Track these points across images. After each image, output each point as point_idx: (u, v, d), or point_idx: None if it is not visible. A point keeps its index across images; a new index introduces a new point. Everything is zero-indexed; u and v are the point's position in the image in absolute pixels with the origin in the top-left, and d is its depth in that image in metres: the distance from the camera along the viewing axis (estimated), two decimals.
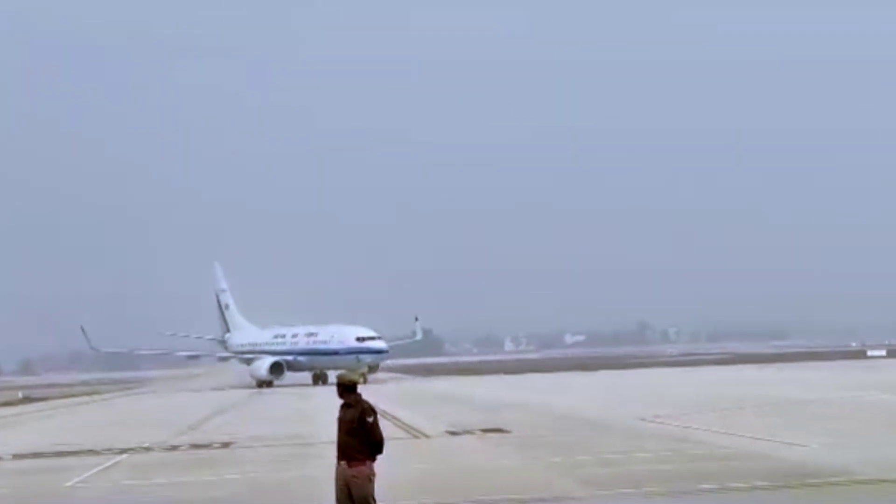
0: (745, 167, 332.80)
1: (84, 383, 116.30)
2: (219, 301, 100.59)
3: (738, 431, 27.62)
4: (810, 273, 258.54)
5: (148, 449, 30.68)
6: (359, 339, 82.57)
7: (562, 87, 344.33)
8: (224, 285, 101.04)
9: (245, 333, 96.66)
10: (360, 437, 12.99)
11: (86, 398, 74.56)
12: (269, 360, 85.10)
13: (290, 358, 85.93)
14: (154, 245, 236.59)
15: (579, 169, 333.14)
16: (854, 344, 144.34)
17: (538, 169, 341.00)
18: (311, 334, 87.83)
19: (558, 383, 66.83)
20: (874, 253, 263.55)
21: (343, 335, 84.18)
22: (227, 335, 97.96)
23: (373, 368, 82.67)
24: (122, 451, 30.09)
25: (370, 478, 13.01)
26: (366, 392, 13.93)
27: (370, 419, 13.01)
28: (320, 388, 76.25)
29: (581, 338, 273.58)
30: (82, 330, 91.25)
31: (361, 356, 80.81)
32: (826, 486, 17.92)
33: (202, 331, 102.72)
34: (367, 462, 13.03)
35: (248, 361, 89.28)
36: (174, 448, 30.81)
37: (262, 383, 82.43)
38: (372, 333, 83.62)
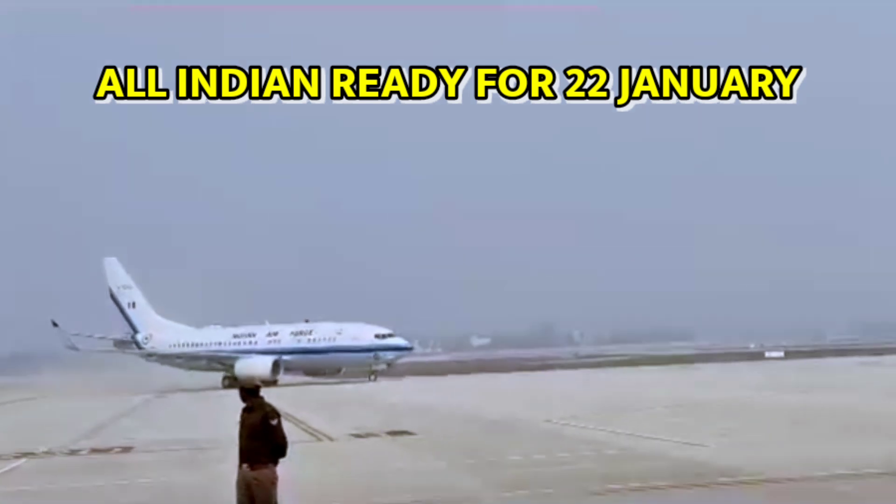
0: (642, 165, 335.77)
1: None
2: (117, 299, 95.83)
3: (639, 432, 28.04)
4: (712, 273, 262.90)
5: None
6: (378, 336, 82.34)
7: None
8: (127, 282, 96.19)
9: (175, 333, 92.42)
10: (262, 440, 13.00)
11: None
12: (268, 358, 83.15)
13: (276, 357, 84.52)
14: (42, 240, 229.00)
15: (488, 172, 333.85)
16: (752, 346, 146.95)
17: (445, 170, 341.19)
18: (298, 333, 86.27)
19: (464, 386, 67.09)
20: (775, 252, 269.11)
21: (355, 332, 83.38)
22: (141, 335, 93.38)
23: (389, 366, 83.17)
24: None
25: (273, 481, 13.02)
26: (268, 396, 13.94)
27: (273, 422, 13.04)
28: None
29: (486, 340, 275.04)
30: (54, 324, 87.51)
31: (381, 353, 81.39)
32: (724, 485, 18.29)
33: (93, 330, 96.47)
34: (270, 465, 13.04)
35: (190, 362, 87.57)
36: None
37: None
38: (389, 331, 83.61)
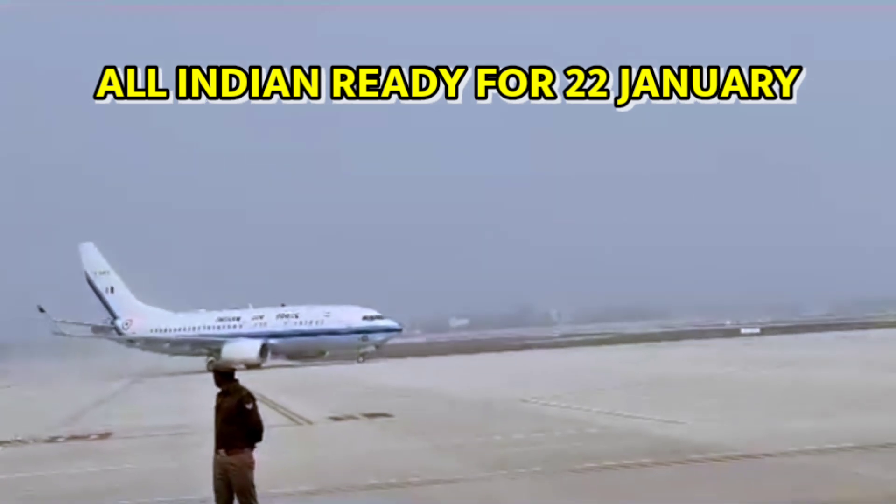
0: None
1: None
2: (93, 284, 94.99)
3: (618, 410, 28.14)
4: (687, 250, 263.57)
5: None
6: (366, 318, 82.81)
7: None
8: (104, 267, 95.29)
9: (157, 318, 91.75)
10: (238, 424, 12.96)
11: None
12: (256, 342, 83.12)
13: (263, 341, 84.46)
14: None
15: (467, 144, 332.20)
16: (728, 322, 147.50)
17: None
18: (284, 316, 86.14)
19: (442, 367, 67.13)
20: (749, 229, 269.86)
21: (343, 315, 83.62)
22: (121, 321, 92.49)
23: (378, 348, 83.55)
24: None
25: (249, 465, 13.00)
26: (244, 379, 13.90)
27: (249, 406, 13.00)
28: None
29: (465, 321, 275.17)
30: (41, 310, 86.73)
31: (371, 335, 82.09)
32: (699, 462, 18.38)
33: (68, 317, 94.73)
34: (246, 450, 13.01)
35: (174, 347, 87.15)
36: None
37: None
38: (378, 312, 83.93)
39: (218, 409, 13.13)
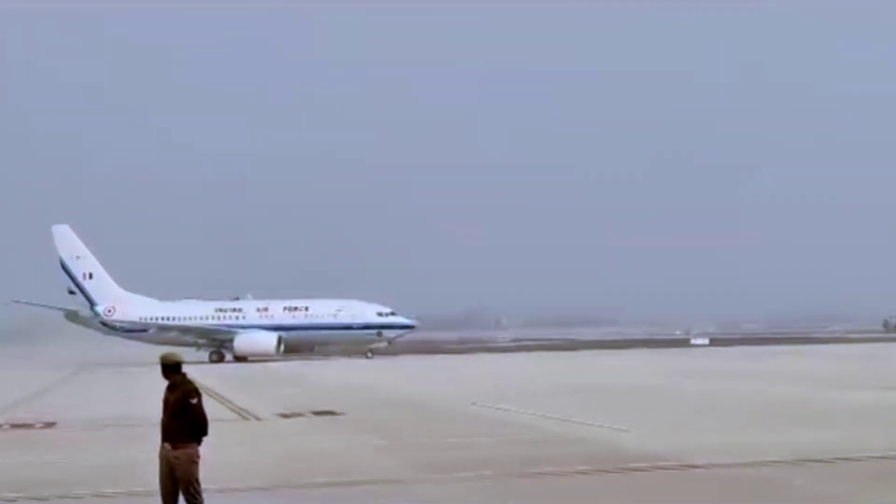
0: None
1: None
2: (68, 269, 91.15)
3: (562, 416, 28.35)
4: (639, 265, 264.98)
5: None
6: (380, 314, 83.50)
7: None
8: (81, 251, 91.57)
9: (144, 306, 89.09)
10: (183, 418, 12.99)
11: None
12: (272, 334, 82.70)
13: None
14: None
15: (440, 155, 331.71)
16: (678, 332, 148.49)
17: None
18: (293, 309, 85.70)
19: (390, 367, 67.17)
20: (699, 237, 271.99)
21: (356, 310, 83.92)
22: (101, 307, 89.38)
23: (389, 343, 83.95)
24: None
25: (193, 459, 13.02)
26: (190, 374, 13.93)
27: (194, 401, 13.02)
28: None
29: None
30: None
31: (385, 331, 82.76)
32: (642, 470, 18.58)
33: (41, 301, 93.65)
34: (192, 444, 13.04)
35: (162, 335, 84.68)
36: None
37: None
38: (391, 309, 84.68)
39: (165, 402, 13.16)
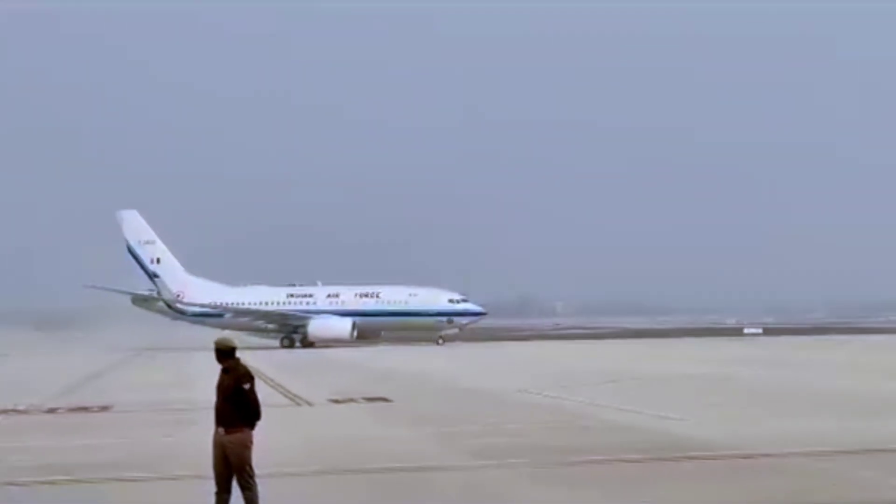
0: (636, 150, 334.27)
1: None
2: (135, 254, 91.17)
3: (616, 404, 28.14)
4: (691, 250, 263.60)
5: None
6: (451, 301, 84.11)
7: None
8: (149, 237, 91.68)
9: (213, 292, 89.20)
10: (236, 403, 12.96)
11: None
12: (346, 320, 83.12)
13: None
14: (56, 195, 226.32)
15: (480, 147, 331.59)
16: (731, 321, 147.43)
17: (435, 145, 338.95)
18: (364, 295, 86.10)
19: (441, 354, 67.11)
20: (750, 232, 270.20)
21: (428, 297, 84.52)
22: (170, 292, 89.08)
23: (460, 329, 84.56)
24: None
25: (246, 444, 12.99)
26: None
27: (246, 386, 12.97)
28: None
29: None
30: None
31: (456, 318, 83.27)
32: (698, 459, 18.38)
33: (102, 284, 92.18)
34: (245, 429, 13.00)
35: (236, 320, 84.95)
36: None
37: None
38: (463, 296, 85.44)
39: (219, 386, 13.14)
